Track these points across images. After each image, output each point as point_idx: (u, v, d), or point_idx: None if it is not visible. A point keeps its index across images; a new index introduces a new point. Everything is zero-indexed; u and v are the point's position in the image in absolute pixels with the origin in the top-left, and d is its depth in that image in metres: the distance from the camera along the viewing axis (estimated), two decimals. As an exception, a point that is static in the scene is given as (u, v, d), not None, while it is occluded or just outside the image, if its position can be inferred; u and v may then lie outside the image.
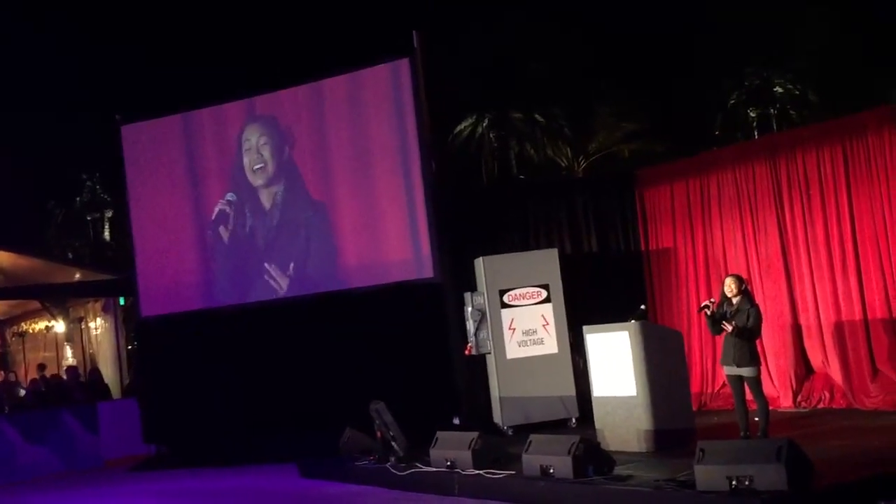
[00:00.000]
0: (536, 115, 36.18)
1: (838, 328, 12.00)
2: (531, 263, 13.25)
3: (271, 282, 15.21)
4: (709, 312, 10.08)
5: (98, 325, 20.86)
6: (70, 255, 36.70)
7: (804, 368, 12.50)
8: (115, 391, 18.64)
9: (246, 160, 15.43)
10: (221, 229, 15.51)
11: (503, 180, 34.78)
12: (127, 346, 20.30)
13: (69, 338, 21.63)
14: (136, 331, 17.18)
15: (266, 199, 15.34)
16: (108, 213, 41.72)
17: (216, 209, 15.55)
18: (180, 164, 15.79)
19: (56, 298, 20.57)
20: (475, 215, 14.51)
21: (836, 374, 12.05)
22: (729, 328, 9.83)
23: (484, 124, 36.97)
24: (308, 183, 15.04)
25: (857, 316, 11.78)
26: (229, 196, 15.48)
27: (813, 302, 12.28)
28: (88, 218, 42.82)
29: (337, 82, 14.91)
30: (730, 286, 10.02)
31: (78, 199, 42.80)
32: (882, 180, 11.45)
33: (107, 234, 42.21)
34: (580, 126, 35.37)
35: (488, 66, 34.67)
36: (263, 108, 15.42)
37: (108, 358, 19.76)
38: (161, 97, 16.18)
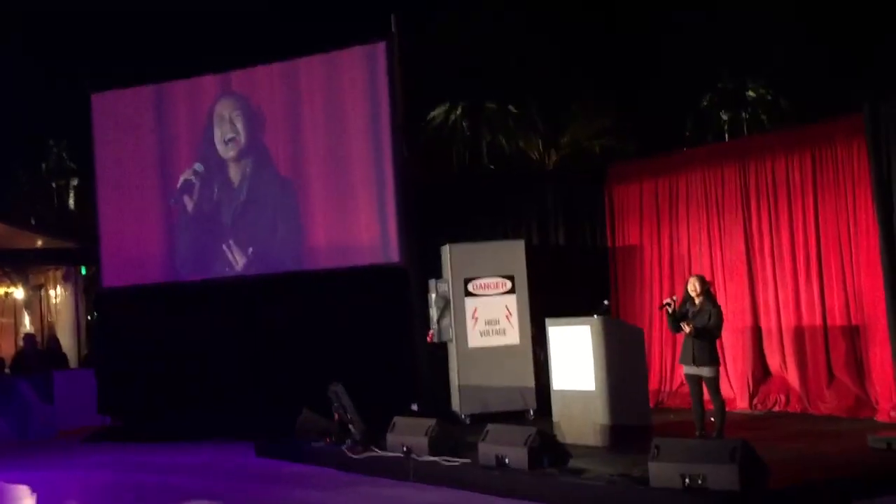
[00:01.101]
0: (510, 107, 36.22)
1: (798, 333, 12.11)
2: (497, 254, 13.26)
3: (235, 258, 15.12)
4: (670, 310, 10.14)
5: (58, 294, 20.69)
6: (33, 222, 36.31)
7: (762, 371, 12.60)
8: (73, 361, 18.49)
9: (217, 132, 15.29)
10: (186, 199, 15.36)
11: (474, 169, 34.80)
12: (86, 316, 20.13)
13: (28, 305, 21.42)
14: (96, 301, 17.03)
15: (235, 173, 15.22)
16: (74, 182, 41.32)
17: (182, 178, 15.38)
18: (150, 136, 15.64)
19: (16, 264, 20.34)
20: (444, 203, 14.50)
21: (793, 378, 12.17)
22: (687, 329, 9.89)
23: (457, 112, 36.98)
24: (278, 161, 14.95)
25: (817, 322, 11.90)
26: (196, 166, 15.33)
27: (774, 306, 12.38)
28: (54, 185, 42.39)
29: (312, 62, 14.82)
30: (693, 286, 10.08)
31: (44, 165, 42.35)
32: (849, 189, 11.54)
33: (72, 202, 41.80)
34: (553, 120, 35.45)
35: (464, 55, 34.63)
36: (238, 85, 15.29)
37: (67, 327, 19.61)
38: (133, 67, 16.00)
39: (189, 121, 15.49)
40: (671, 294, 12.13)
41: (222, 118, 15.28)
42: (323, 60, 14.74)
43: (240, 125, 15.18)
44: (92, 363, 16.99)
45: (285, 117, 14.93)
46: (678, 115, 33.92)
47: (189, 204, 15.36)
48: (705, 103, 35.01)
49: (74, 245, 19.68)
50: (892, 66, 24.51)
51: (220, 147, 15.31)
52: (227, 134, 15.24)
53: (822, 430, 10.68)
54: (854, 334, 11.58)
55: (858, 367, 11.53)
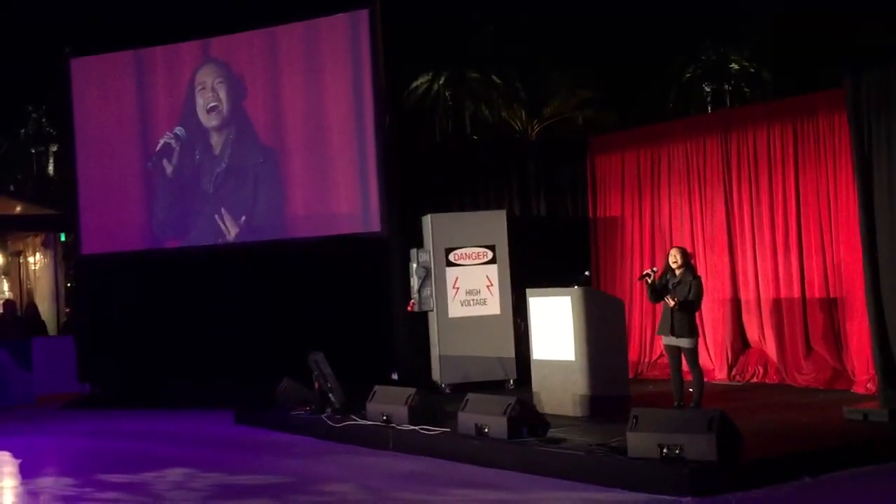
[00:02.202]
0: (493, 77, 36.07)
1: (776, 305, 12.17)
2: (479, 224, 13.25)
3: (215, 227, 15.05)
4: (649, 281, 10.16)
5: (37, 261, 20.59)
6: (12, 188, 36.03)
7: (741, 343, 12.67)
8: (52, 328, 18.42)
9: (200, 100, 15.18)
10: (165, 162, 15.26)
11: (456, 139, 34.69)
12: (66, 283, 20.05)
13: (6, 271, 21.32)
14: (75, 268, 16.95)
15: (216, 141, 15.14)
16: (54, 148, 40.97)
17: (161, 141, 15.27)
18: (129, 102, 15.52)
19: (-5, 230, 20.23)
20: (426, 172, 14.47)
21: (771, 350, 12.24)
22: (671, 302, 9.91)
23: (440, 82, 36.78)
24: (259, 130, 14.87)
25: (796, 294, 11.95)
26: (177, 130, 15.21)
27: (754, 278, 12.43)
28: (33, 151, 42.02)
29: (294, 29, 14.72)
30: (674, 257, 10.09)
31: (22, 131, 41.96)
32: (829, 162, 11.57)
33: (51, 168, 41.48)
34: (536, 90, 35.34)
35: (446, 25, 34.42)
36: (218, 52, 15.18)
37: (46, 294, 19.54)
38: (113, 32, 15.80)
39: (169, 87, 15.37)
40: (651, 265, 12.17)
41: (204, 86, 15.16)
42: (304, 27, 14.64)
43: (222, 93, 15.07)
44: (71, 330, 16.92)
45: (266, 85, 14.84)
46: (661, 88, 33.86)
47: (168, 168, 15.26)
48: (688, 75, 34.95)
49: (54, 211, 19.57)
50: (873, 40, 24.53)
51: (202, 115, 15.20)
52: (210, 102, 15.13)
53: (800, 402, 10.75)
54: (832, 307, 11.65)
55: (836, 340, 11.60)
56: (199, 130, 15.22)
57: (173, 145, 15.22)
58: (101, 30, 15.83)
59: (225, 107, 15.08)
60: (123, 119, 15.53)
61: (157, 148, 15.30)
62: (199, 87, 15.19)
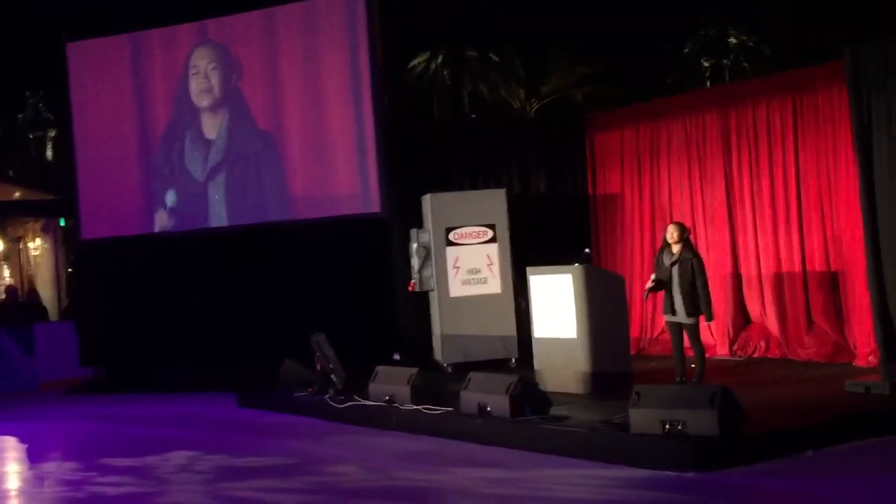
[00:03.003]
0: (491, 55, 35.96)
1: (777, 280, 12.16)
2: (478, 203, 13.22)
3: (215, 210, 15.04)
4: (652, 285, 10.19)
5: (37, 246, 20.59)
6: (11, 174, 35.97)
7: (742, 318, 12.67)
8: (53, 313, 18.44)
9: (193, 85, 15.15)
10: (165, 150, 15.24)
11: (455, 118, 34.61)
12: (66, 268, 20.05)
13: (6, 257, 21.32)
14: (75, 253, 16.94)
15: (212, 125, 15.10)
16: (52, 133, 40.89)
17: (161, 133, 15.28)
18: (126, 86, 15.47)
19: (-6, 216, 20.22)
20: (425, 152, 14.42)
21: (772, 324, 12.24)
22: (691, 319, 9.87)
23: (438, 61, 36.67)
24: (255, 112, 14.83)
25: (797, 268, 11.94)
26: (175, 120, 15.20)
27: (754, 253, 12.42)
28: (31, 136, 41.92)
29: (291, 10, 14.65)
30: (671, 233, 10.07)
31: (20, 116, 41.86)
32: (829, 136, 11.53)
33: (49, 153, 41.41)
34: (535, 68, 35.23)
35: (444, 3, 34.29)
36: (215, 34, 15.13)
37: (47, 279, 19.55)
38: (109, 15, 15.74)
39: (165, 70, 15.32)
40: (652, 243, 12.18)
41: (198, 70, 15.11)
42: (301, 8, 14.58)
43: (214, 78, 15.03)
44: (72, 315, 16.93)
45: (263, 67, 14.80)
46: (660, 63, 33.75)
47: (168, 159, 15.22)
48: (687, 50, 34.83)
49: (53, 197, 19.56)
50: (872, 11, 24.44)
51: (195, 99, 15.16)
52: (202, 87, 15.09)
53: (802, 376, 10.76)
54: (833, 280, 11.64)
55: (837, 313, 11.60)
56: (195, 115, 15.18)
57: (173, 136, 15.18)
58: (98, 13, 15.75)
59: (217, 91, 15.04)
60: (121, 103, 15.49)
61: (158, 140, 15.25)
62: (193, 70, 15.15)
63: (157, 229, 15.30)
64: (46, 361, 15.73)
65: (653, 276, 10.30)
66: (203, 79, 15.08)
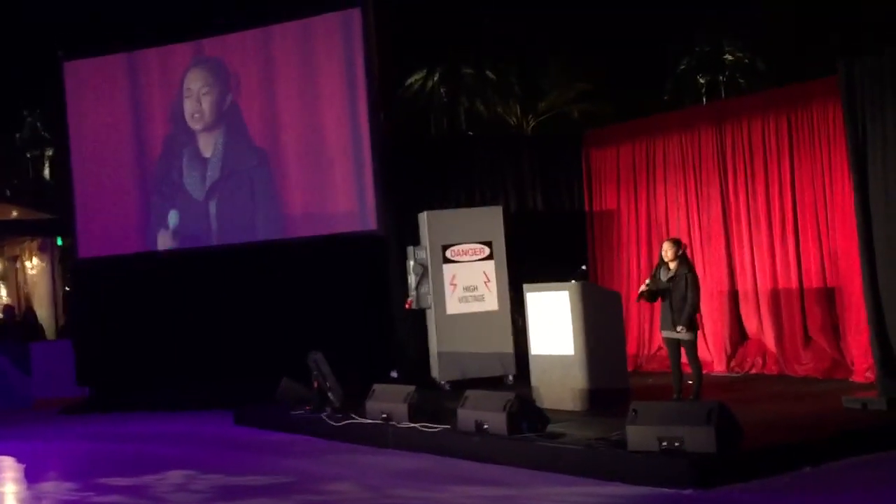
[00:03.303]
0: (488, 72, 36.02)
1: (774, 296, 12.16)
2: (475, 220, 13.23)
3: (211, 228, 15.05)
4: (645, 288, 10.16)
5: (34, 265, 20.57)
6: (8, 193, 35.98)
7: (739, 334, 12.66)
8: (50, 332, 18.41)
9: (186, 107, 15.20)
10: (161, 169, 15.26)
11: (452, 135, 34.64)
12: (63, 287, 20.04)
13: (3, 276, 21.31)
14: (72, 272, 16.92)
15: (208, 144, 15.14)
16: (49, 152, 40.91)
17: (158, 152, 15.29)
18: (123, 105, 15.51)
19: (-9, 236, 20.21)
20: (421, 169, 14.43)
21: (769, 340, 12.23)
22: (685, 335, 9.85)
23: (434, 78, 36.72)
24: (252, 130, 14.87)
25: (794, 284, 11.94)
26: (172, 139, 15.22)
27: (751, 269, 12.42)
28: (28, 155, 41.94)
29: (287, 28, 14.71)
30: (666, 251, 10.07)
31: (18, 135, 41.88)
32: (825, 151, 11.55)
33: (47, 172, 41.41)
34: (531, 85, 35.28)
35: (440, 20, 34.37)
36: (211, 51, 15.17)
37: (44, 298, 19.53)
38: (106, 34, 15.78)
39: (162, 89, 15.36)
40: (648, 258, 12.19)
41: (191, 93, 15.16)
42: (297, 27, 14.63)
43: (206, 103, 15.09)
44: (69, 334, 16.91)
45: (260, 85, 14.84)
46: (656, 80, 33.81)
47: (165, 177, 15.24)
48: (683, 67, 34.91)
49: (50, 216, 19.57)
50: (867, 26, 24.51)
51: (189, 121, 15.22)
52: (195, 112, 15.14)
53: (799, 392, 10.75)
54: (830, 296, 11.64)
55: (834, 329, 11.59)
56: (191, 134, 15.21)
57: (169, 155, 15.20)
58: (95, 32, 15.78)
59: (208, 116, 15.09)
60: (118, 122, 15.52)
61: (156, 159, 15.27)
62: (186, 94, 15.20)
63: (156, 248, 15.28)
64: (42, 380, 15.70)
65: (647, 282, 10.28)
66: (195, 102, 15.14)
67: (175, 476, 9.51)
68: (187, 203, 15.18)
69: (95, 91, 15.65)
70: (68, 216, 15.90)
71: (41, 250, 20.22)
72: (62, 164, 16.55)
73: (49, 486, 9.83)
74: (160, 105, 15.38)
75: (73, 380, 15.55)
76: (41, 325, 18.09)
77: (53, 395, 15.54)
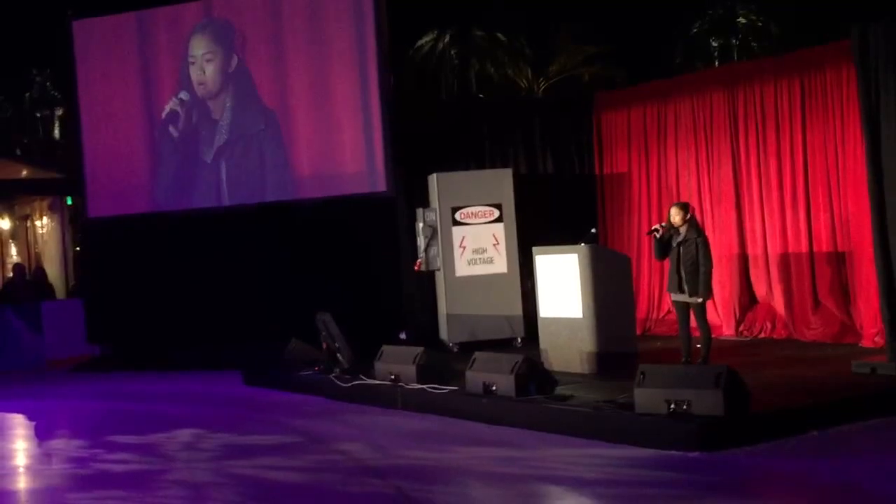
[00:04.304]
0: (499, 34, 35.83)
1: (784, 260, 12.13)
2: (485, 182, 13.21)
3: (221, 189, 15.04)
4: (657, 236, 10.07)
5: (44, 224, 20.61)
6: (18, 152, 36.03)
7: (748, 298, 12.65)
8: (60, 292, 18.47)
9: (192, 73, 15.15)
10: (171, 129, 15.25)
11: (462, 98, 34.52)
12: (73, 246, 20.09)
13: (14, 235, 21.36)
14: (82, 231, 16.95)
15: (217, 106, 15.10)
16: (59, 111, 40.90)
17: (167, 108, 15.26)
18: (132, 64, 15.45)
19: (1, 194, 20.23)
20: (431, 131, 14.39)
21: (779, 304, 12.22)
22: (696, 299, 9.80)
23: (445, 40, 36.55)
24: (261, 90, 14.81)
25: (804, 249, 11.91)
26: (182, 95, 15.18)
27: (761, 233, 12.39)
28: (38, 115, 41.94)
29: (296, -12, 14.60)
30: (674, 216, 9.96)
31: (27, 95, 41.85)
32: (837, 116, 11.47)
33: (56, 132, 41.42)
34: (542, 48, 35.10)
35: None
36: (219, 11, 15.08)
37: (54, 258, 19.57)
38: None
39: (171, 49, 15.30)
40: (659, 221, 12.10)
41: (195, 59, 15.10)
42: (307, -14, 14.52)
43: (210, 70, 15.04)
44: (79, 293, 16.97)
45: (268, 45, 14.76)
46: (668, 43, 33.60)
47: (174, 133, 15.23)
48: (695, 30, 34.66)
49: (60, 175, 19.57)
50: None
51: (195, 87, 15.16)
52: (199, 79, 15.09)
53: (808, 356, 10.75)
54: (840, 261, 11.61)
55: (844, 294, 11.58)
56: (200, 98, 15.17)
57: (179, 111, 15.19)
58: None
59: (212, 83, 15.04)
60: (127, 81, 15.47)
61: (164, 115, 15.25)
62: (191, 60, 15.13)
63: (163, 208, 15.29)
64: (54, 339, 15.77)
65: (662, 224, 10.18)
66: (199, 70, 15.09)
67: (184, 435, 9.57)
68: (197, 163, 15.16)
69: (105, 50, 15.59)
70: (78, 175, 15.89)
71: (51, 209, 20.24)
72: (72, 124, 16.52)
73: (59, 444, 9.90)
74: (169, 65, 15.32)
75: (84, 339, 15.64)
76: (51, 285, 18.14)
77: (65, 355, 15.62)
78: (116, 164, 15.48)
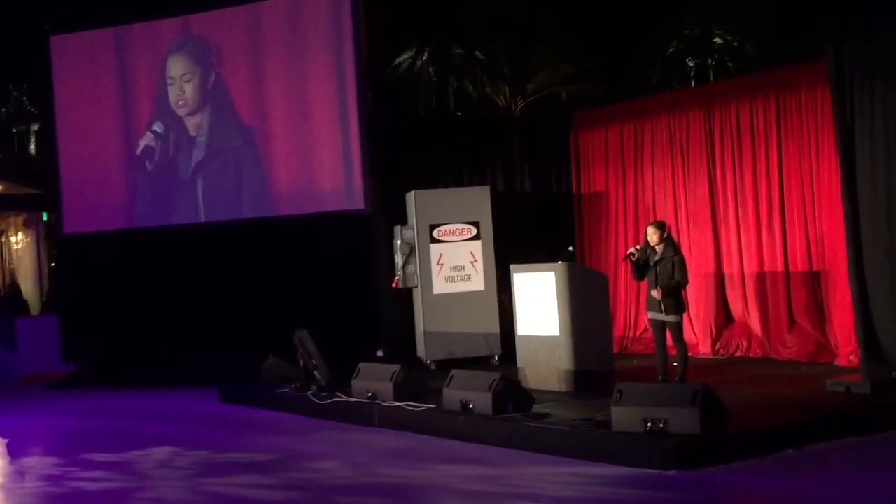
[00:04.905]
0: (477, 52, 35.94)
1: (760, 279, 12.20)
2: (463, 200, 13.23)
3: (197, 206, 14.99)
4: (633, 259, 10.11)
5: (19, 240, 20.47)
6: (-7, 168, 35.79)
7: (724, 317, 12.71)
8: (35, 308, 18.34)
9: (171, 93, 15.11)
10: (147, 163, 15.19)
11: (440, 115, 34.57)
12: (49, 262, 19.97)
13: (-11, 251, 21.20)
14: (58, 247, 16.85)
15: (193, 125, 15.07)
16: (35, 127, 40.69)
17: (145, 128, 15.19)
18: (110, 80, 15.39)
19: (-24, 210, 20.10)
20: (409, 148, 14.40)
21: (755, 323, 12.28)
22: (657, 295, 9.83)
23: (423, 58, 36.62)
24: (239, 107, 14.79)
25: (779, 268, 11.98)
26: (156, 127, 15.12)
27: (737, 252, 12.46)
28: (14, 130, 41.70)
29: (276, 4, 14.60)
30: (651, 235, 9.98)
31: (3, 110, 41.62)
32: (812, 135, 11.57)
33: (32, 147, 41.19)
34: (520, 66, 35.21)
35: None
36: (198, 28, 15.06)
37: (29, 274, 19.43)
38: (92, 8, 15.68)
39: (149, 65, 15.26)
40: (636, 240, 12.17)
41: (173, 80, 15.07)
42: (286, 3, 14.52)
43: (190, 89, 14.99)
44: (54, 309, 16.85)
45: (247, 61, 14.75)
46: (646, 63, 33.79)
47: (150, 167, 15.17)
48: (672, 50, 34.89)
49: (35, 191, 19.46)
50: (856, 11, 24.51)
51: (173, 106, 15.12)
52: (179, 99, 15.06)
53: (783, 375, 10.80)
54: (815, 280, 11.69)
55: (819, 313, 11.65)
56: (178, 116, 15.13)
57: (153, 146, 15.12)
58: (81, 6, 15.67)
59: (192, 102, 15.00)
60: (104, 97, 15.41)
61: (139, 151, 15.17)
62: (170, 81, 15.10)
63: (139, 224, 15.22)
64: (28, 355, 15.65)
65: (638, 247, 10.20)
66: (178, 90, 15.05)
67: (159, 452, 9.50)
68: (174, 180, 15.11)
69: (82, 66, 15.53)
70: (54, 191, 15.80)
71: (26, 225, 20.12)
72: (48, 139, 16.44)
73: (32, 462, 9.81)
74: (147, 81, 15.27)
75: (59, 355, 15.52)
76: (26, 301, 18.02)
77: (39, 371, 15.50)
78: (92, 180, 15.40)
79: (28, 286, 19.32)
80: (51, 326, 15.71)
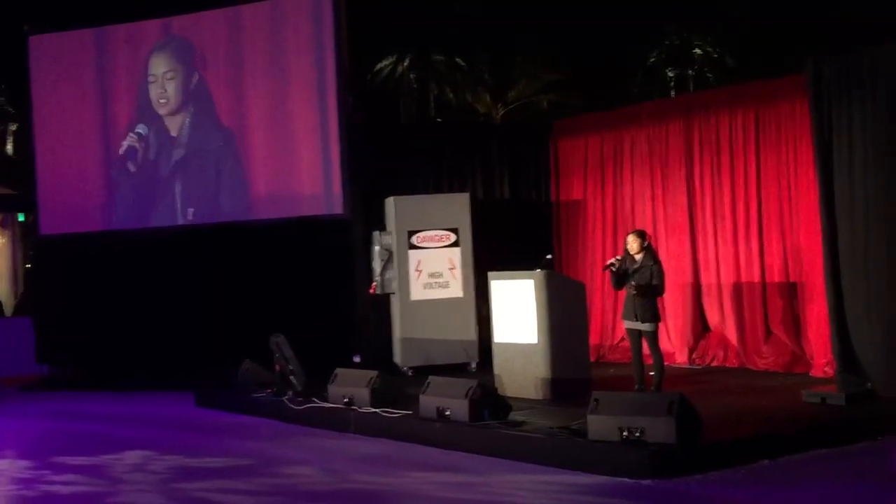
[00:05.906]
0: (458, 60, 36.00)
1: (737, 289, 12.24)
2: (442, 206, 13.22)
3: (176, 208, 14.92)
4: (614, 269, 10.14)
5: (-6, 241, 20.32)
6: (-31, 168, 35.51)
7: (701, 326, 12.74)
8: (10, 309, 18.20)
9: (151, 92, 15.05)
10: (130, 164, 15.12)
11: (420, 122, 34.60)
12: (24, 263, 19.83)
13: (-37, 252, 21.03)
14: (33, 248, 16.73)
15: (174, 125, 15.00)
16: (13, 127, 40.43)
17: (123, 129, 15.13)
18: (89, 82, 15.31)
19: (-49, 210, 19.95)
20: (389, 154, 14.38)
21: (731, 333, 12.32)
22: (631, 289, 9.87)
23: (404, 64, 36.65)
24: (220, 110, 14.74)
25: (756, 279, 12.03)
26: (139, 129, 15.05)
27: (714, 262, 12.50)
28: (-9, 130, 41.41)
29: (257, 9, 14.57)
30: (631, 244, 10.04)
31: (-19, 109, 41.34)
32: (790, 148, 11.63)
33: (10, 147, 40.93)
34: (501, 74, 35.30)
35: (411, 6, 34.27)
36: (179, 29, 15.01)
37: (4, 275, 19.29)
38: (73, 9, 15.61)
39: (129, 66, 15.19)
40: (614, 249, 12.20)
41: (155, 78, 15.00)
42: (268, 7, 14.51)
43: (171, 88, 14.95)
44: (29, 311, 16.73)
45: (228, 65, 14.71)
46: (626, 73, 33.93)
47: (132, 168, 15.10)
48: (653, 60, 35.06)
49: (12, 191, 19.32)
50: (836, 25, 24.70)
51: (154, 105, 15.06)
52: (161, 98, 15.00)
53: (759, 385, 10.84)
54: (792, 291, 11.74)
55: (795, 324, 11.71)
56: (157, 115, 15.07)
57: (136, 147, 15.05)
58: (61, 6, 15.61)
59: (174, 101, 14.94)
60: (83, 98, 15.32)
61: (121, 151, 15.09)
62: (151, 79, 15.04)
63: (116, 226, 15.13)
64: (1, 357, 15.51)
65: (617, 257, 10.24)
66: (160, 88, 14.99)
67: (133, 456, 9.43)
68: (153, 182, 15.04)
69: (61, 66, 15.44)
70: (31, 192, 15.70)
71: (2, 226, 19.98)
72: (25, 140, 16.34)
73: (4, 464, 9.70)
74: (126, 82, 15.20)
75: (33, 358, 15.40)
76: (0, 302, 17.89)
77: (12, 373, 15.37)
78: (70, 181, 15.31)
79: (2, 287, 19.18)
80: (25, 328, 15.59)
